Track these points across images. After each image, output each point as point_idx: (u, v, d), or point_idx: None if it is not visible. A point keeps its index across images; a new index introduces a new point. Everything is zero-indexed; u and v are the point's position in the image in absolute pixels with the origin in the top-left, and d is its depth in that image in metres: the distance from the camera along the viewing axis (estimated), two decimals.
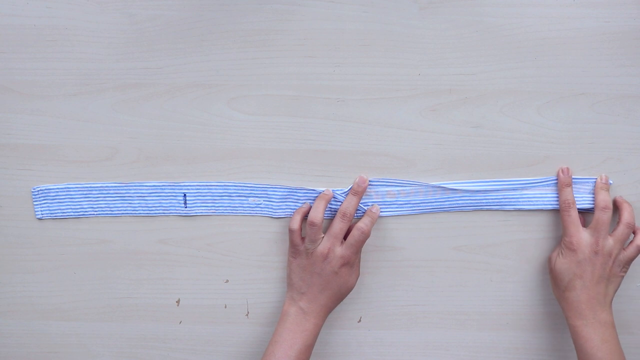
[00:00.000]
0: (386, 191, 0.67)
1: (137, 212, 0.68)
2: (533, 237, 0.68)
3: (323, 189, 0.67)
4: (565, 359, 0.71)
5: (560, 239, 0.66)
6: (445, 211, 0.68)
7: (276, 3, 0.64)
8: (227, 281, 0.70)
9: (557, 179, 0.66)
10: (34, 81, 0.65)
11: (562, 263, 0.64)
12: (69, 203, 0.68)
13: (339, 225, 0.64)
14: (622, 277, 0.64)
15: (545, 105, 0.66)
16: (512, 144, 0.66)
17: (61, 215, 0.68)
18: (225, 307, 0.70)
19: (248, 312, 0.70)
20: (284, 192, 0.67)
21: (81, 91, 0.66)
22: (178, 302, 0.70)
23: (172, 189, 0.68)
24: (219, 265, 0.69)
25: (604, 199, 0.64)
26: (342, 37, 0.64)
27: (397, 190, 0.67)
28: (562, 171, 0.65)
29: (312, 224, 0.63)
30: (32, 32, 0.64)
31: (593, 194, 0.66)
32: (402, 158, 0.67)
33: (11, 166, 0.67)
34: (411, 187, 0.67)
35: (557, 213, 0.67)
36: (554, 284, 0.66)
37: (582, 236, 0.63)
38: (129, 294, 0.70)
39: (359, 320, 0.70)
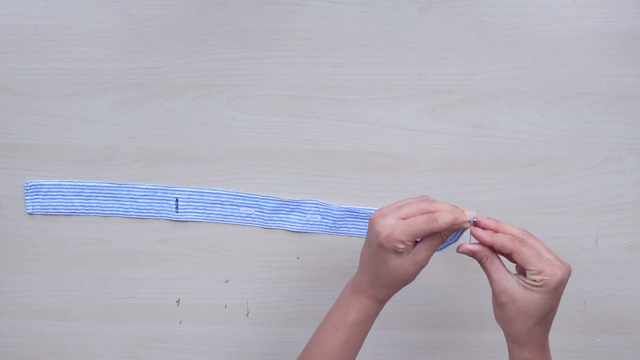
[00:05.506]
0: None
1: (128, 213, 0.68)
2: None
3: (315, 199, 0.67)
4: (565, 359, 0.71)
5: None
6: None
7: (276, 3, 0.64)
8: (227, 281, 0.70)
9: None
10: (34, 81, 0.65)
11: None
12: (61, 200, 0.67)
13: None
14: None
15: (545, 105, 0.66)
16: (512, 144, 0.66)
17: (52, 211, 0.68)
18: (225, 307, 0.70)
19: (248, 312, 0.70)
20: (276, 204, 0.67)
21: (81, 91, 0.66)
22: (178, 302, 0.70)
23: (165, 193, 0.67)
24: (219, 265, 0.69)
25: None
26: (342, 37, 0.64)
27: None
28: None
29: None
30: (32, 32, 0.64)
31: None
32: (402, 158, 0.67)
33: (11, 166, 0.67)
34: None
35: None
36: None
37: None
38: (129, 294, 0.70)
39: None
